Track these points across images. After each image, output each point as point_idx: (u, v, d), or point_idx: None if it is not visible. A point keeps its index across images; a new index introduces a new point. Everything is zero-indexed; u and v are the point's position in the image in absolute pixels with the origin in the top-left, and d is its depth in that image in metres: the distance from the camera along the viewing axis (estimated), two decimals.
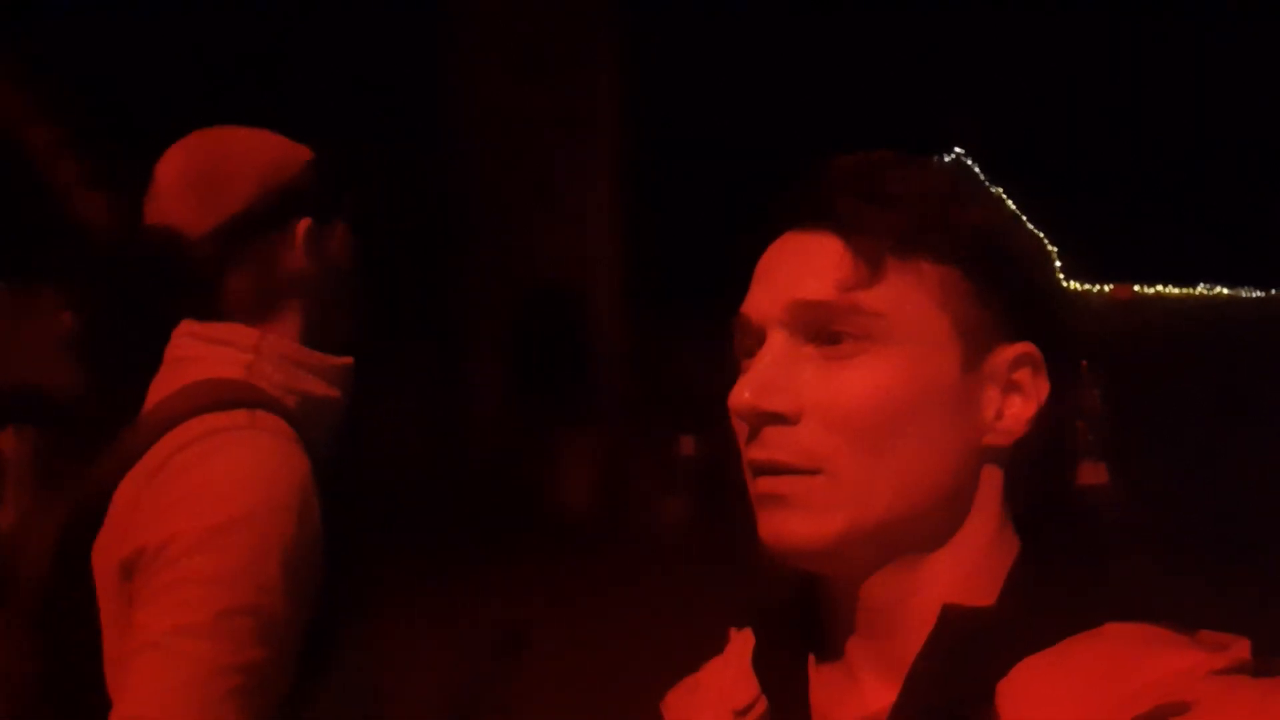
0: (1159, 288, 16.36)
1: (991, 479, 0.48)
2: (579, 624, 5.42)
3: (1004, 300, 0.48)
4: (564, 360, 11.55)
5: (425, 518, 8.09)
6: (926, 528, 0.48)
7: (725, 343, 0.54)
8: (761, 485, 0.47)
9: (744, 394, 0.47)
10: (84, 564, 0.73)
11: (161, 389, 0.80)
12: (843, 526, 0.46)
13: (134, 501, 0.72)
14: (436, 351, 10.75)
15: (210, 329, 0.82)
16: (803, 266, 0.48)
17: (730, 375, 0.53)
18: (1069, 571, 0.47)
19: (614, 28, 12.48)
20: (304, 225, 0.84)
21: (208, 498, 0.70)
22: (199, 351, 0.82)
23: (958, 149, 16.68)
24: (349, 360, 0.82)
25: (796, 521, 0.46)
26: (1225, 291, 16.38)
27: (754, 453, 0.47)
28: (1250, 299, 16.28)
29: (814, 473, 0.46)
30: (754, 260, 0.52)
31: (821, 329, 0.47)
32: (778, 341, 0.48)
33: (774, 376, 0.47)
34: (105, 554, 0.72)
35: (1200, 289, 16.40)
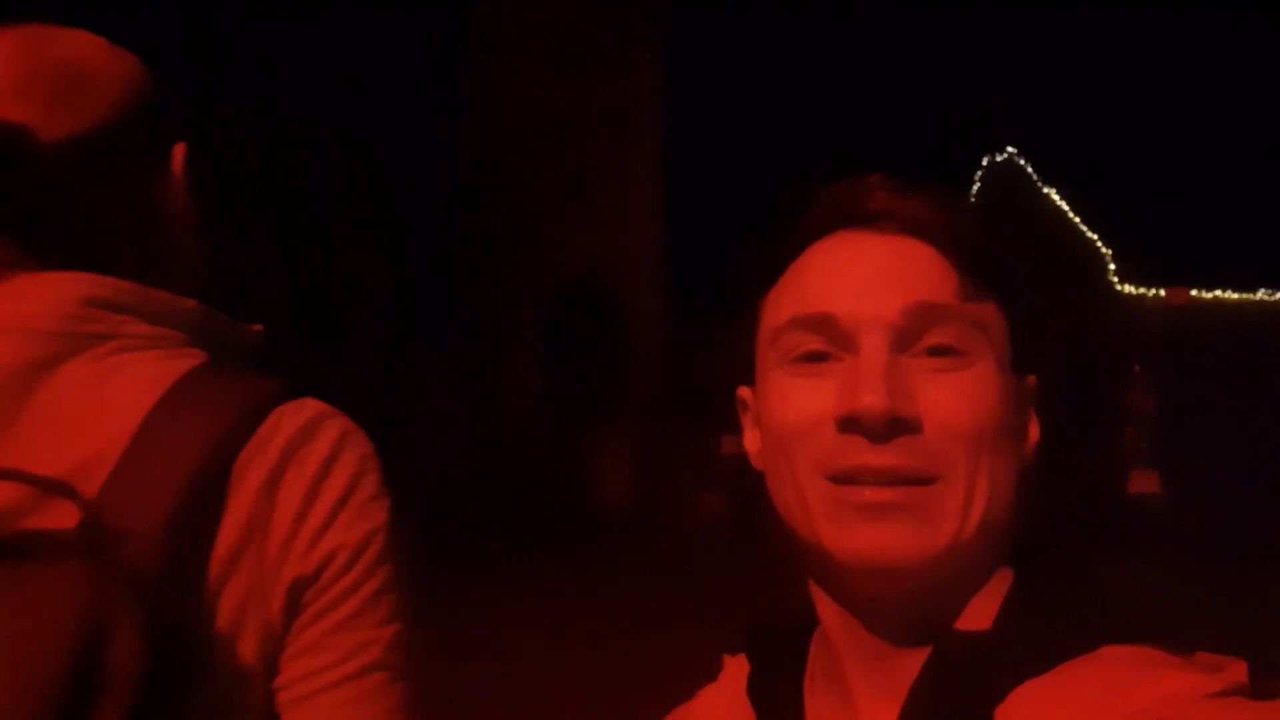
0: (1217, 292, 15.89)
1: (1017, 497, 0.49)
2: (618, 617, 5.44)
3: (1026, 333, 0.49)
4: (602, 357, 11.55)
5: (465, 513, 8.17)
6: (993, 548, 0.48)
7: (740, 340, 0.53)
8: (870, 495, 0.45)
9: (871, 398, 0.45)
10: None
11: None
12: (948, 539, 0.45)
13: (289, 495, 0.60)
14: (475, 349, 10.83)
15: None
16: (909, 272, 0.47)
17: (743, 374, 0.51)
18: (1065, 595, 0.47)
19: (655, 23, 12.40)
20: (181, 150, 0.71)
21: (371, 489, 0.63)
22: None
23: (1010, 149, 16.36)
24: (192, 302, 0.66)
25: (906, 533, 0.45)
26: None
27: (872, 459, 0.45)
28: None
29: (931, 480, 0.45)
30: (780, 260, 0.52)
31: (922, 337, 0.47)
32: (882, 346, 0.46)
33: (895, 381, 0.46)
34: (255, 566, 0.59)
35: (1261, 294, 15.89)
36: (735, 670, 0.56)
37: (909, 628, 0.47)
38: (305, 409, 0.63)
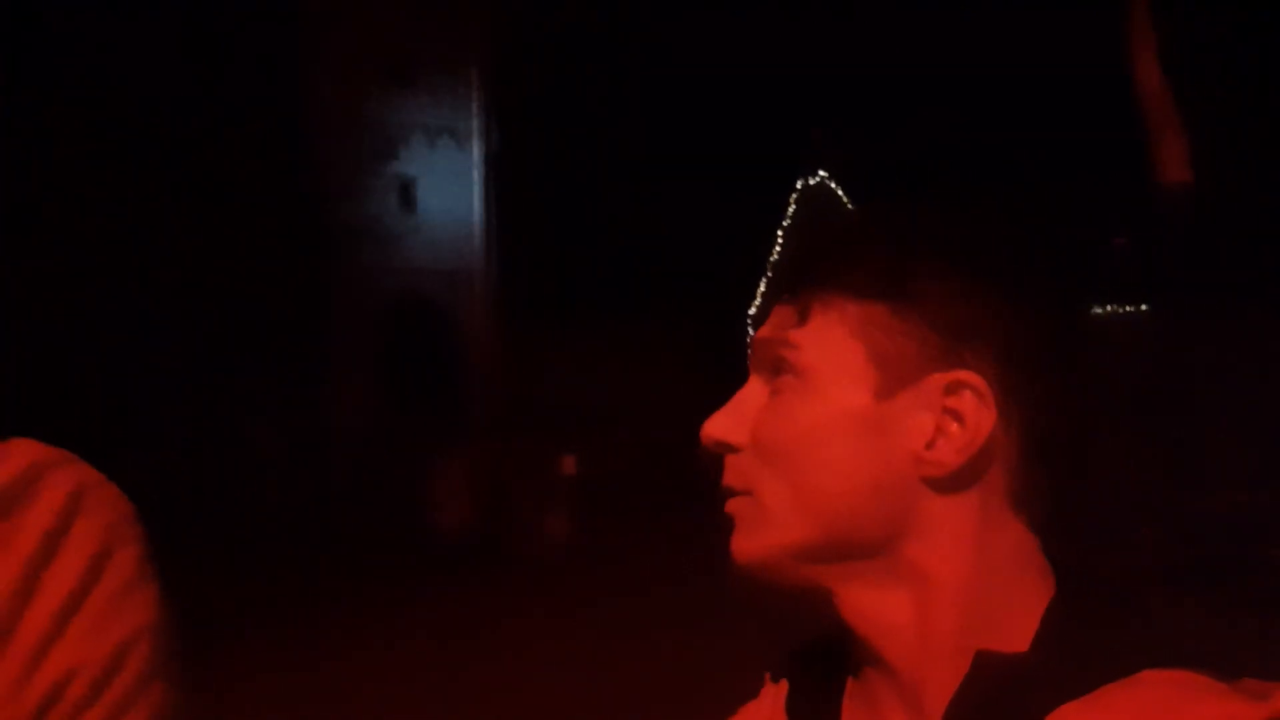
0: None
1: (949, 508, 0.48)
2: (461, 644, 5.31)
3: (938, 330, 0.48)
4: (436, 377, 11.25)
5: (294, 543, 7.72)
6: (859, 553, 0.49)
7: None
8: (723, 510, 0.52)
9: (704, 426, 0.53)
10: None
11: None
12: (766, 547, 0.50)
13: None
14: (302, 369, 10.28)
15: None
16: (774, 314, 0.55)
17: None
18: (1105, 617, 0.47)
19: (484, 39, 12.35)
20: None
21: (125, 572, 0.44)
22: None
23: (822, 172, 17.39)
24: None
25: (735, 540, 0.51)
26: None
27: (721, 479, 0.52)
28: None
29: (746, 494, 0.51)
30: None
31: (771, 367, 0.53)
32: (749, 381, 0.54)
33: (730, 410, 0.53)
34: None
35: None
36: (775, 689, 0.56)
37: (874, 632, 0.48)
38: (11, 455, 0.42)
